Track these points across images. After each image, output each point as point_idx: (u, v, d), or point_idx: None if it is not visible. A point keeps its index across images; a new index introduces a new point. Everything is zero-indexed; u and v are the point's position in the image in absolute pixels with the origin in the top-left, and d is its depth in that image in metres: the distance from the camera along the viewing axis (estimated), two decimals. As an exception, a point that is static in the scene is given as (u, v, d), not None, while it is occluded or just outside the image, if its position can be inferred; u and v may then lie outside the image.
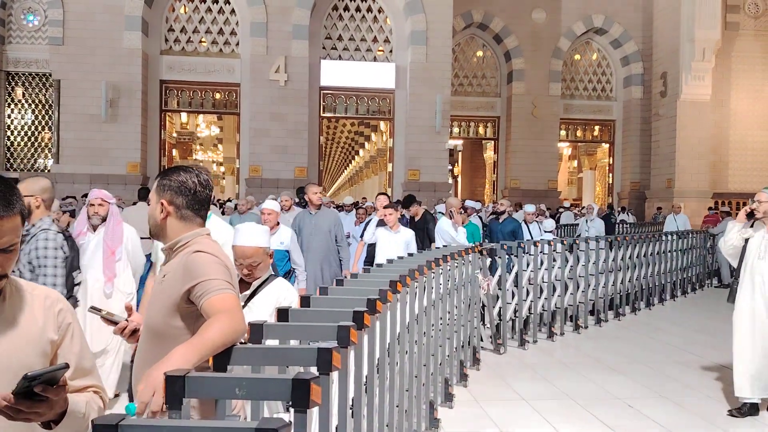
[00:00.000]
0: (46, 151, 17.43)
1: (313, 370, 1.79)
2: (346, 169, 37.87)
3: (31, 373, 1.29)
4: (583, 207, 16.95)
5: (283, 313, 2.40)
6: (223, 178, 29.44)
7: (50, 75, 16.78)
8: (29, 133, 17.51)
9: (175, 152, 22.66)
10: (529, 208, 9.78)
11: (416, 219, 8.23)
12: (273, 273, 3.27)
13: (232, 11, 17.66)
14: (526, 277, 7.29)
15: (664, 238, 10.45)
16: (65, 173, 16.08)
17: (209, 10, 17.65)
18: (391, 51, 18.35)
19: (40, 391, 1.32)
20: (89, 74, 16.31)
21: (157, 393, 1.57)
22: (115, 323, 2.21)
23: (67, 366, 1.37)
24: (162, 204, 2.09)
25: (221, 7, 17.67)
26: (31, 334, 1.53)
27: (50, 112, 17.13)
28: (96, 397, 1.62)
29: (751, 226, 5.01)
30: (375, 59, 18.35)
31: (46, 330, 1.55)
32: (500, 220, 8.95)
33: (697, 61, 20.10)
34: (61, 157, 16.46)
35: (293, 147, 17.25)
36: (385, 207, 6.53)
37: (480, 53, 22.36)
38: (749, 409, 4.79)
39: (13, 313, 1.52)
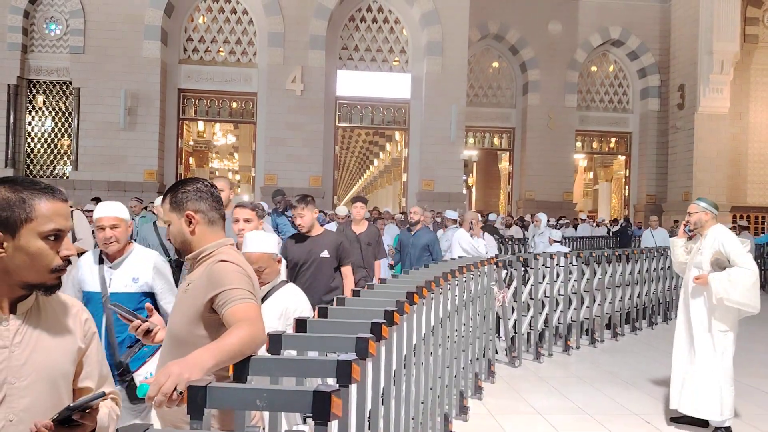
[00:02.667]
0: (65, 158, 17.65)
1: (332, 381, 1.79)
2: (360, 178, 37.95)
3: (73, 404, 1.37)
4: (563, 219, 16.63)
5: (301, 324, 2.41)
6: (239, 187, 29.63)
7: (70, 83, 17.03)
8: (49, 140, 17.74)
9: (191, 160, 22.84)
10: (450, 214, 8.98)
11: (359, 233, 6.64)
12: (284, 279, 3.30)
13: (250, 21, 17.83)
14: (542, 289, 7.24)
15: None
16: (83, 180, 16.33)
17: (227, 20, 17.84)
18: (407, 61, 18.41)
19: (77, 419, 1.38)
20: (108, 82, 16.54)
21: (170, 379, 1.60)
22: (130, 321, 2.26)
23: (104, 394, 1.42)
24: (189, 216, 2.11)
25: (239, 18, 17.85)
26: (65, 343, 1.57)
27: (70, 120, 17.37)
28: (113, 404, 1.65)
29: (689, 239, 5.04)
30: (391, 69, 18.42)
31: (76, 339, 1.59)
32: (413, 232, 7.50)
33: (715, 73, 19.94)
34: (80, 164, 16.68)
35: (308, 156, 17.33)
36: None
37: (496, 64, 22.36)
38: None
39: (50, 322, 1.56)
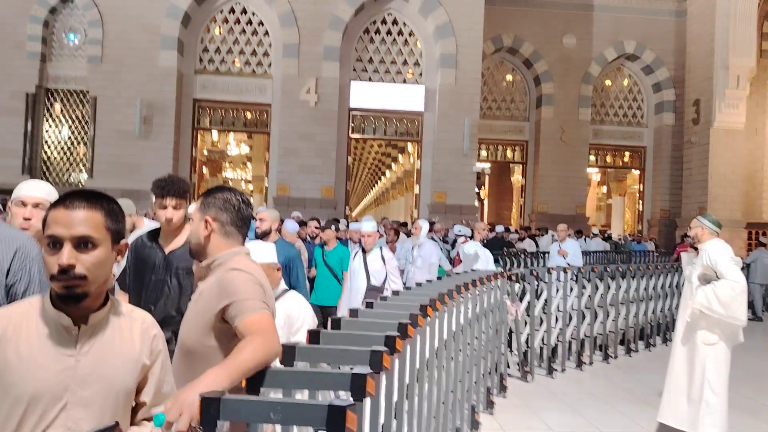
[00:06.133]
0: (81, 166, 17.82)
1: (345, 394, 1.77)
2: (372, 189, 37.99)
3: None
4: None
5: (314, 336, 2.39)
6: (251, 196, 29.76)
7: (88, 92, 17.22)
8: (65, 148, 17.94)
9: (205, 169, 22.99)
10: (422, 223, 8.66)
11: (326, 250, 6.80)
12: (286, 287, 3.29)
13: (266, 33, 17.98)
14: (555, 304, 7.18)
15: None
16: (98, 187, 16.37)
17: (243, 31, 18.00)
18: (420, 73, 18.45)
19: None
20: (125, 91, 16.71)
21: (184, 414, 1.55)
22: None
23: (117, 424, 1.42)
24: (207, 221, 2.11)
25: (255, 29, 18.01)
26: (130, 357, 1.57)
27: (86, 128, 17.56)
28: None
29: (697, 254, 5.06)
30: (404, 81, 18.47)
31: (142, 354, 1.60)
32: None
33: (731, 88, 19.79)
34: (95, 172, 16.82)
35: (321, 167, 17.38)
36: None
37: (509, 77, 22.36)
38: None
39: (116, 336, 1.56)
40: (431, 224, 12.11)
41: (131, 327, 1.59)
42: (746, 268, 12.14)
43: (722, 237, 5.05)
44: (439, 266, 9.25)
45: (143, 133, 16.76)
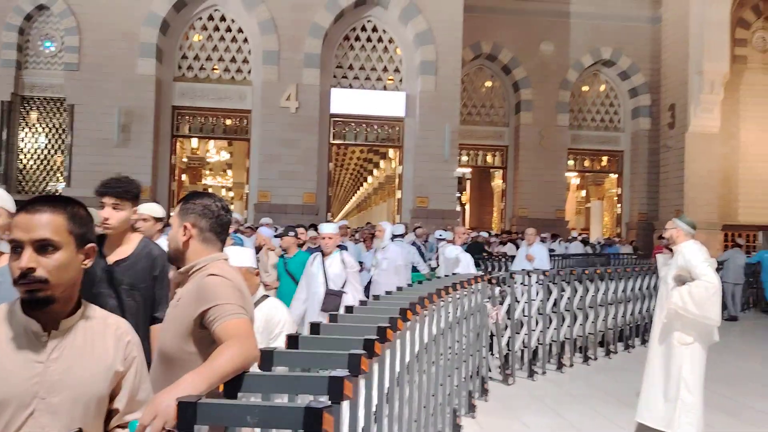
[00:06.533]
0: (58, 175, 17.59)
1: (324, 398, 1.77)
2: (354, 195, 38.00)
3: None
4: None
5: (293, 340, 2.39)
6: (232, 203, 29.59)
7: (64, 100, 17.03)
8: (41, 157, 17.70)
9: (185, 177, 22.82)
10: (395, 228, 8.70)
11: (287, 257, 6.67)
12: (265, 294, 3.29)
13: (245, 40, 17.94)
14: (535, 306, 7.23)
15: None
16: (76, 196, 16.17)
17: (222, 38, 17.95)
18: (401, 80, 18.54)
19: None
20: (103, 99, 16.55)
21: (158, 417, 1.54)
22: None
23: (79, 431, 1.43)
24: (185, 227, 2.11)
25: (234, 36, 17.96)
26: (103, 364, 1.55)
27: (63, 137, 17.35)
28: None
29: (673, 255, 5.13)
30: (385, 88, 18.54)
31: (116, 361, 1.58)
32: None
33: (705, 93, 20.16)
34: (73, 181, 16.62)
35: (303, 173, 17.36)
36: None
37: (489, 83, 22.56)
38: None
39: (88, 342, 1.54)
40: (416, 228, 12.18)
41: (105, 333, 1.58)
42: (720, 267, 12.34)
43: (699, 239, 5.14)
44: (417, 270, 9.27)
45: (121, 141, 16.61)
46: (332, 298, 5.44)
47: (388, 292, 4.13)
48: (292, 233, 6.77)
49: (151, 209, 4.09)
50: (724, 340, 5.37)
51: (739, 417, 5.76)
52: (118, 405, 1.61)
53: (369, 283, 7.79)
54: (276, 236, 8.50)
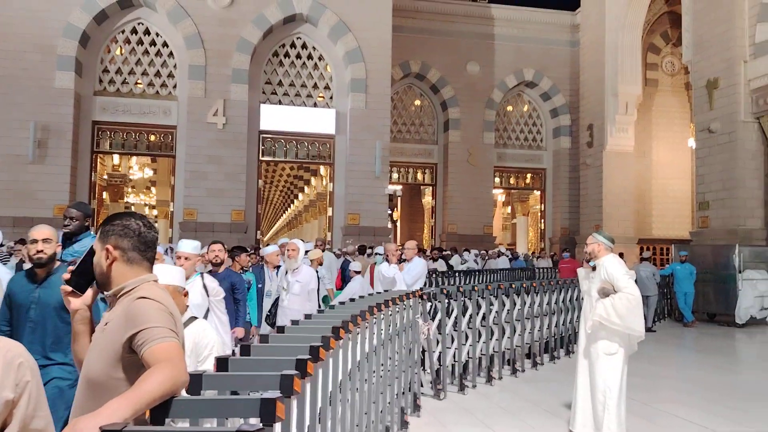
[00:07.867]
0: (-34, 193, 16.52)
1: (255, 421, 1.74)
2: (285, 212, 37.58)
3: None
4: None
5: (222, 363, 2.34)
6: (156, 222, 28.62)
7: (-26, 113, 16.06)
8: (-53, 173, 16.59)
9: (105, 195, 21.93)
10: (299, 244, 7.90)
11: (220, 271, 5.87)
12: (195, 316, 3.20)
13: (170, 54, 17.54)
14: (465, 321, 7.35)
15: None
16: (-14, 215, 15.29)
17: (147, 52, 17.47)
18: (331, 97, 18.60)
19: None
20: (17, 113, 15.75)
21: None
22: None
23: None
24: (107, 250, 2.03)
25: (159, 50, 17.53)
26: None
27: (-28, 152, 16.33)
28: None
29: (593, 269, 5.36)
30: (315, 105, 18.55)
31: (4, 388, 1.47)
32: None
33: (620, 114, 21.36)
34: (-18, 199, 15.65)
35: (231, 190, 17.05)
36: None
37: (418, 102, 22.99)
38: None
39: None
40: (347, 245, 12.15)
41: None
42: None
43: (616, 252, 5.40)
44: (326, 295, 8.73)
45: (37, 158, 15.81)
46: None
47: (294, 322, 3.69)
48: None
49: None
50: (641, 348, 5.64)
51: (656, 422, 6.04)
52: None
53: (274, 307, 7.18)
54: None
